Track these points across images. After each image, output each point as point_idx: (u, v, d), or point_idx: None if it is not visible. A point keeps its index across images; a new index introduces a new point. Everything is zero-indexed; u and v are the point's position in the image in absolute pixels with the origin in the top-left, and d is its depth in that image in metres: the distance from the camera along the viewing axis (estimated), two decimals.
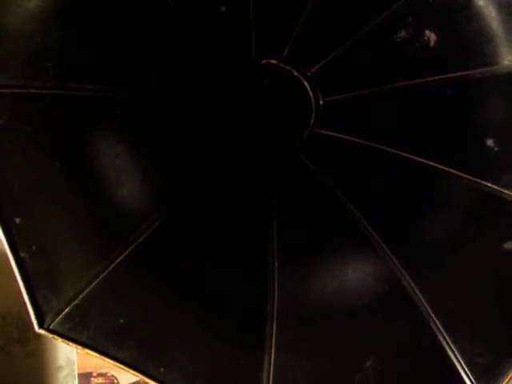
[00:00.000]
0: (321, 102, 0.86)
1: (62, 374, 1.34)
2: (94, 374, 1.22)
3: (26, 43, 0.61)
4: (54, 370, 1.34)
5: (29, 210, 0.59)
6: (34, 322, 0.57)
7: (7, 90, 0.58)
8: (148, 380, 0.61)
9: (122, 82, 0.69)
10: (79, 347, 0.59)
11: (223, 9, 0.78)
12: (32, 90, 0.60)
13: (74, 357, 1.24)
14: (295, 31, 0.82)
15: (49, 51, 0.61)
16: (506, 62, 0.70)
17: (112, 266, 0.62)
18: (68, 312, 0.59)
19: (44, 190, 0.61)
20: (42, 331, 0.58)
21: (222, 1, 0.77)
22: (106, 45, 0.67)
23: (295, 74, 0.87)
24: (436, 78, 0.75)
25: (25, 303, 1.24)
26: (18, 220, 0.58)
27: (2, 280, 1.05)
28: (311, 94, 0.86)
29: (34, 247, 0.58)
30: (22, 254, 0.58)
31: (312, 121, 0.87)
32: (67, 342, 0.58)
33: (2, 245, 1.06)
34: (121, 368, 0.59)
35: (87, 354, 0.59)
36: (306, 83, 0.86)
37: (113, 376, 1.20)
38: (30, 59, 0.60)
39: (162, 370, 0.62)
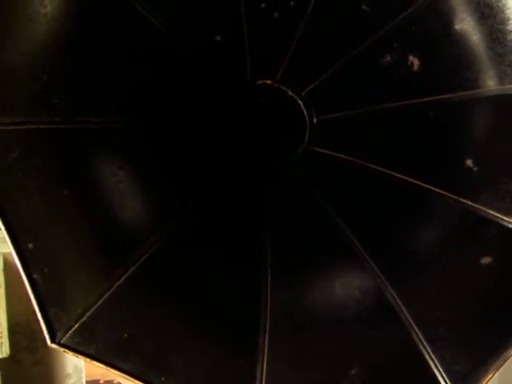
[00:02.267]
0: (315, 121, 0.92)
1: (70, 382, 1.40)
2: (101, 382, 1.29)
3: (34, 81, 0.67)
4: (62, 378, 1.41)
5: (40, 235, 0.66)
6: (47, 337, 0.64)
7: (18, 127, 0.65)
8: None
9: (124, 112, 0.76)
10: (87, 359, 0.66)
11: (218, 38, 0.84)
12: (41, 126, 0.66)
13: (82, 365, 1.31)
14: (288, 54, 0.88)
15: (55, 88, 0.68)
16: (485, 87, 0.75)
17: (116, 284, 0.69)
18: (77, 328, 0.66)
19: (53, 216, 0.68)
20: (53, 345, 0.65)
21: (217, 30, 0.84)
22: (108, 79, 0.73)
23: (290, 93, 0.92)
24: (419, 100, 0.81)
25: (33, 313, 1.31)
26: (30, 245, 0.64)
27: (11, 291, 1.12)
28: (305, 112, 0.92)
29: (45, 269, 0.65)
30: (35, 276, 0.64)
31: (306, 138, 0.92)
32: (76, 354, 0.65)
33: (11, 259, 1.13)
34: (126, 378, 0.67)
35: (95, 365, 0.67)
36: (300, 102, 0.92)
37: (119, 383, 1.27)
38: (37, 96, 0.67)
39: (163, 379, 0.69)
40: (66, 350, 0.65)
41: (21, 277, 1.06)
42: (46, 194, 0.68)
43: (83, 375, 1.30)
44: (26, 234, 0.65)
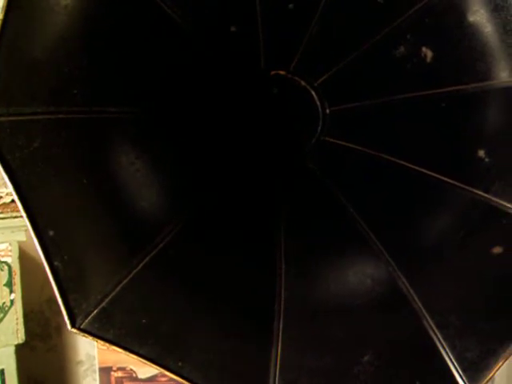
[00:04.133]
0: (327, 111, 0.94)
1: (83, 368, 1.43)
2: (114, 368, 1.30)
3: (54, 73, 0.69)
4: (75, 365, 1.44)
5: (60, 223, 0.68)
6: (67, 322, 0.67)
7: (39, 117, 0.68)
8: (168, 373, 0.71)
9: (140, 102, 0.78)
10: (106, 344, 0.69)
11: (233, 28, 0.86)
12: (60, 116, 0.69)
13: (95, 352, 1.33)
14: (302, 45, 0.89)
15: (75, 79, 0.70)
16: (498, 78, 0.77)
17: (134, 271, 0.72)
18: (96, 313, 0.69)
19: (73, 204, 0.71)
20: (74, 330, 0.67)
21: (232, 21, 0.86)
22: (124, 69, 0.76)
23: (303, 84, 0.94)
24: (432, 91, 0.82)
25: (46, 301, 1.34)
26: (51, 232, 0.67)
27: (25, 279, 1.14)
28: (318, 103, 0.94)
29: (65, 257, 0.67)
30: (56, 263, 0.67)
31: (319, 128, 0.94)
32: (96, 339, 0.68)
33: (28, 250, 1.16)
34: (143, 363, 0.69)
35: (113, 350, 0.69)
36: (313, 93, 0.94)
37: (131, 370, 1.29)
38: (58, 87, 0.69)
39: (180, 364, 0.72)
40: (86, 335, 0.68)
41: (34, 265, 1.09)
42: (66, 182, 0.70)
43: (96, 362, 1.32)
44: (46, 222, 0.67)
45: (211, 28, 0.84)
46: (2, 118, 0.65)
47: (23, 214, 0.66)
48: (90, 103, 0.72)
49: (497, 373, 1.32)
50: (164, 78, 0.82)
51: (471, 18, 0.77)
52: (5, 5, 0.61)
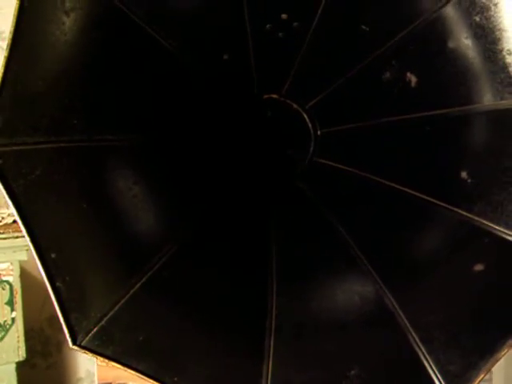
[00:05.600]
0: (319, 133, 0.99)
1: None
2: None
3: (55, 104, 0.74)
4: (75, 381, 1.47)
5: (61, 245, 0.73)
6: (69, 339, 0.71)
7: (41, 146, 0.72)
8: None
9: (137, 129, 0.83)
10: (106, 360, 0.73)
11: (225, 56, 0.91)
12: (61, 144, 0.73)
13: (94, 369, 1.36)
14: (292, 70, 0.94)
15: (74, 110, 0.75)
16: (479, 102, 0.81)
17: (132, 291, 0.76)
18: (96, 331, 0.73)
19: (74, 228, 0.75)
20: (75, 347, 0.71)
21: (224, 49, 0.90)
22: (122, 98, 0.80)
23: (295, 107, 0.99)
24: (416, 115, 0.87)
25: (46, 319, 1.37)
26: (53, 255, 0.71)
27: (26, 298, 1.18)
28: (310, 125, 0.99)
29: (67, 278, 0.72)
30: (58, 284, 0.71)
31: (311, 149, 0.99)
32: (96, 356, 0.73)
33: (29, 268, 1.19)
34: (141, 378, 0.73)
35: (112, 366, 0.74)
36: (305, 115, 0.99)
37: None
38: (58, 118, 0.74)
39: (175, 379, 0.75)
40: (86, 352, 0.72)
41: (35, 283, 1.13)
42: (66, 207, 0.75)
43: (95, 378, 1.35)
44: (48, 245, 0.72)
45: (205, 57, 0.89)
46: (7, 148, 0.69)
47: (27, 237, 0.70)
48: (90, 132, 0.76)
49: (494, 375, 1.36)
50: (160, 105, 0.86)
51: (453, 45, 0.81)
52: (9, 43, 0.66)
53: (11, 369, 1.16)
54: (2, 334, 1.13)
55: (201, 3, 0.87)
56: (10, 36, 0.66)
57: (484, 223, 0.80)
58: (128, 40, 0.80)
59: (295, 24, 0.90)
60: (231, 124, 0.96)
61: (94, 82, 0.77)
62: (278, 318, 0.84)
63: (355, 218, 0.92)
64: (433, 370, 0.77)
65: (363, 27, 0.87)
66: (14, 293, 1.15)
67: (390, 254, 0.88)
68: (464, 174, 0.82)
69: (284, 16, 0.90)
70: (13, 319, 1.15)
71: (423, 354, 0.78)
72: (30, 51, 0.70)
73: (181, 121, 0.89)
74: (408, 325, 0.80)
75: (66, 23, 0.72)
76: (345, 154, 0.96)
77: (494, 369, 0.79)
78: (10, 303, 1.15)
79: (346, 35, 0.90)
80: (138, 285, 0.77)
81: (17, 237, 1.12)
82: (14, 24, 0.66)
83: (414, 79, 0.86)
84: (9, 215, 1.15)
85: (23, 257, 1.15)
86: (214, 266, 0.87)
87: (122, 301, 0.76)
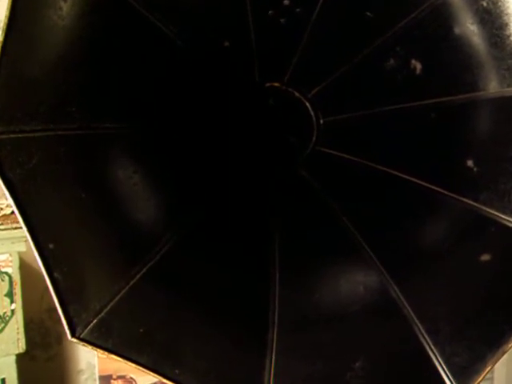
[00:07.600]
0: (321, 122, 0.97)
1: (83, 377, 1.46)
2: (114, 377, 1.32)
3: (53, 91, 0.72)
4: (75, 374, 1.46)
5: (60, 236, 0.71)
6: (67, 331, 0.70)
7: (39, 134, 0.71)
8: (165, 381, 0.74)
9: (136, 117, 0.81)
10: (105, 353, 0.72)
11: (226, 43, 0.89)
12: (59, 132, 0.72)
13: (95, 361, 1.35)
14: (295, 58, 0.92)
15: (72, 97, 0.73)
16: (485, 89, 0.79)
17: (132, 282, 0.75)
18: (95, 323, 0.72)
19: (72, 218, 0.74)
20: (74, 340, 0.70)
21: (225, 36, 0.89)
22: (121, 86, 0.79)
23: (297, 95, 0.97)
24: (421, 102, 0.85)
25: (46, 310, 1.36)
26: (51, 245, 0.70)
27: (25, 289, 1.17)
28: (312, 113, 0.97)
29: (65, 268, 0.70)
30: (56, 275, 0.70)
31: (314, 138, 0.97)
32: (95, 348, 0.71)
33: (28, 260, 1.18)
34: (141, 371, 0.72)
35: (112, 358, 0.72)
36: (307, 104, 0.97)
37: (131, 378, 1.31)
38: (56, 105, 0.72)
39: (176, 371, 0.74)
40: (86, 344, 0.71)
41: (34, 275, 1.12)
42: (64, 197, 0.74)
43: (96, 371, 1.34)
44: (46, 235, 0.70)
45: (206, 44, 0.87)
46: (3, 136, 0.68)
47: (24, 228, 0.69)
48: (88, 120, 0.75)
49: (496, 373, 1.35)
50: (160, 93, 0.85)
51: (458, 31, 0.79)
52: (4, 27, 0.64)
53: (11, 361, 1.15)
54: (2, 325, 1.13)
55: None
56: (5, 21, 0.65)
57: (490, 212, 0.79)
58: (127, 26, 0.78)
59: (298, 10, 0.88)
60: (233, 112, 0.94)
61: (92, 68, 0.75)
62: (280, 309, 0.82)
63: (359, 208, 0.90)
64: (438, 362, 0.76)
65: (367, 13, 0.85)
66: (14, 284, 1.14)
67: (394, 243, 0.86)
68: (470, 163, 0.81)
69: (286, 2, 0.88)
70: (12, 311, 1.14)
71: (429, 345, 0.77)
72: (27, 36, 0.68)
73: (181, 109, 0.88)
74: (413, 316, 0.79)
75: (64, 8, 0.70)
76: (348, 142, 0.95)
77: (496, 366, 0.78)
78: (10, 295, 1.14)
79: (350, 21, 0.89)
80: (139, 276, 0.76)
81: (15, 228, 1.11)
82: (9, 8, 0.65)
83: (418, 66, 0.84)
84: (7, 206, 1.13)
85: (22, 248, 1.14)
86: (215, 257, 0.86)
87: (122, 292, 0.74)
